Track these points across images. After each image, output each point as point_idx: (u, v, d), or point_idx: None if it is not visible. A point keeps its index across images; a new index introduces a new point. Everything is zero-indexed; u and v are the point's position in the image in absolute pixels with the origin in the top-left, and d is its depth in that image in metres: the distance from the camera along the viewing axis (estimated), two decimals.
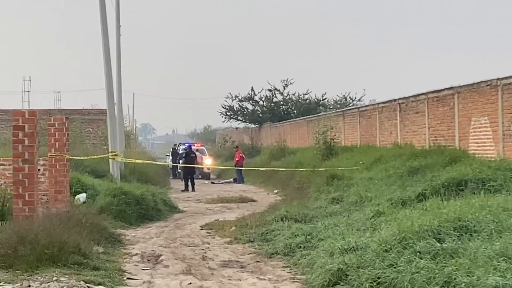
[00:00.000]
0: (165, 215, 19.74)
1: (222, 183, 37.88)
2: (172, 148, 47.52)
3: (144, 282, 10.19)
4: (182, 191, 30.39)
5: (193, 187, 30.75)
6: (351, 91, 62.13)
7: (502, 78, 16.88)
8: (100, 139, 39.42)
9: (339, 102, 55.30)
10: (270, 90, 55.95)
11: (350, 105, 51.46)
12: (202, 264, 11.88)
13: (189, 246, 13.97)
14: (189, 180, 31.05)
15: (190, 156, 33.06)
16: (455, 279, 7.16)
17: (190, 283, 10.08)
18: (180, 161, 30.55)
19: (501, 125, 16.86)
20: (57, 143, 15.32)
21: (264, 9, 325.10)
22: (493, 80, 17.33)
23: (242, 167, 36.77)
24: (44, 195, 15.46)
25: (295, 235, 13.14)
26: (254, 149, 50.48)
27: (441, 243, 8.40)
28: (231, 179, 38.18)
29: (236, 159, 38.37)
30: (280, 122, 50.39)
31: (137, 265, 11.66)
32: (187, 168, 30.80)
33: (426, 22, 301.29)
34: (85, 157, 21.15)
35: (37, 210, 12.15)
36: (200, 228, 17.05)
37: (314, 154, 29.69)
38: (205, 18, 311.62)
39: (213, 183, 38.24)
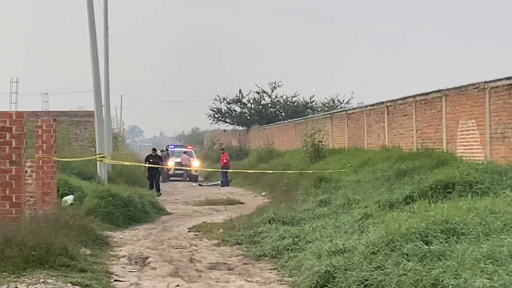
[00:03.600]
0: (152, 217, 19.71)
1: (209, 185, 37.84)
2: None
3: (131, 284, 10.16)
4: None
5: (158, 190, 28.65)
6: (339, 93, 61.83)
7: (490, 81, 16.96)
8: (87, 141, 39.31)
9: (327, 105, 55.36)
10: (258, 93, 56.01)
11: (338, 107, 51.54)
12: (190, 266, 11.87)
13: (177, 248, 13.95)
14: (154, 183, 29.33)
15: (152, 160, 30.12)
16: (442, 281, 7.17)
17: (178, 285, 10.06)
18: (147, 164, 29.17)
19: (488, 128, 16.93)
20: (44, 145, 15.26)
21: (252, 12, 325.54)
22: (481, 83, 17.41)
23: (228, 169, 36.63)
24: (31, 197, 15.38)
25: (283, 237, 13.16)
26: (242, 151, 50.47)
27: (429, 246, 8.41)
28: (219, 182, 38.09)
29: (224, 161, 38.18)
30: (268, 125, 50.40)
31: (124, 267, 11.62)
32: (150, 172, 29.25)
33: (415, 23, 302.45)
34: (73, 159, 21.09)
35: (24, 212, 12.08)
36: (188, 230, 17.04)
37: (302, 156, 29.75)
38: (192, 20, 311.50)
39: (201, 185, 38.22)
